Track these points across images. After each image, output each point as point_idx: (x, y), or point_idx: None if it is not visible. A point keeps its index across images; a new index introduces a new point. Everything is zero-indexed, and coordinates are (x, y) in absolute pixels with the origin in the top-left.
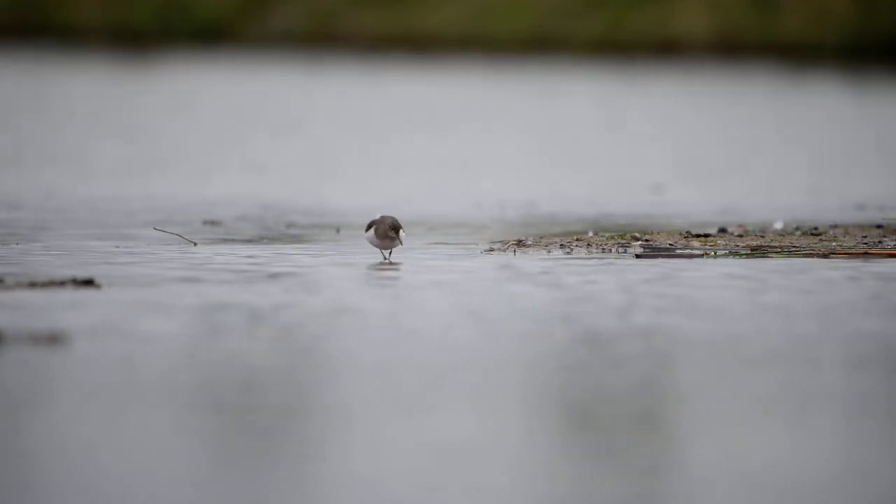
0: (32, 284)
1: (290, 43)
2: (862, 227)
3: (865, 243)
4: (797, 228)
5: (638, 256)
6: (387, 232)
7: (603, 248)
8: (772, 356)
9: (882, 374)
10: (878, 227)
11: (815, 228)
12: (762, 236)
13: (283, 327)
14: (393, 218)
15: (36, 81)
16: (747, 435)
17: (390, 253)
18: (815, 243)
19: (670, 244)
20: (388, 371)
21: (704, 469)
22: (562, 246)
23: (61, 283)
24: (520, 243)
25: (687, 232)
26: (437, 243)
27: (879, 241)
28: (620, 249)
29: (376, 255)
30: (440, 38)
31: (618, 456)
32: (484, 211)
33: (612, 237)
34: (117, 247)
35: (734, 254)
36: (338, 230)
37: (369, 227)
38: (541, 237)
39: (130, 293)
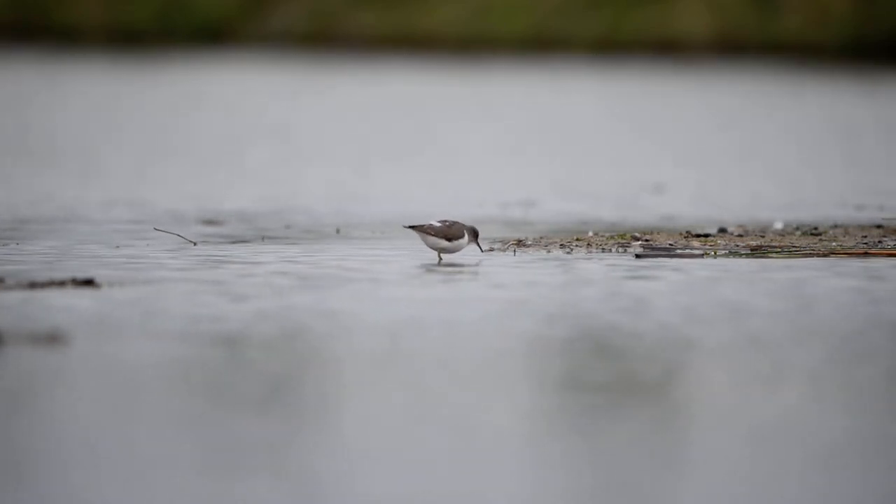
0: (32, 284)
1: (290, 43)
2: (862, 227)
3: (865, 243)
4: (797, 228)
5: (638, 256)
6: (473, 240)
7: (603, 248)
8: (769, 348)
9: (879, 359)
10: (878, 227)
11: (815, 228)
12: (762, 236)
13: (284, 327)
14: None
15: (36, 81)
16: (747, 416)
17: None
18: (815, 243)
19: (670, 244)
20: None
21: (707, 431)
22: (562, 246)
23: (61, 283)
24: (520, 243)
25: (687, 232)
26: None
27: (879, 241)
28: (620, 249)
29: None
30: (440, 38)
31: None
32: (484, 210)
33: (612, 237)
34: (117, 247)
35: (734, 254)
36: (338, 230)
37: (446, 235)
38: (541, 237)
39: (130, 293)
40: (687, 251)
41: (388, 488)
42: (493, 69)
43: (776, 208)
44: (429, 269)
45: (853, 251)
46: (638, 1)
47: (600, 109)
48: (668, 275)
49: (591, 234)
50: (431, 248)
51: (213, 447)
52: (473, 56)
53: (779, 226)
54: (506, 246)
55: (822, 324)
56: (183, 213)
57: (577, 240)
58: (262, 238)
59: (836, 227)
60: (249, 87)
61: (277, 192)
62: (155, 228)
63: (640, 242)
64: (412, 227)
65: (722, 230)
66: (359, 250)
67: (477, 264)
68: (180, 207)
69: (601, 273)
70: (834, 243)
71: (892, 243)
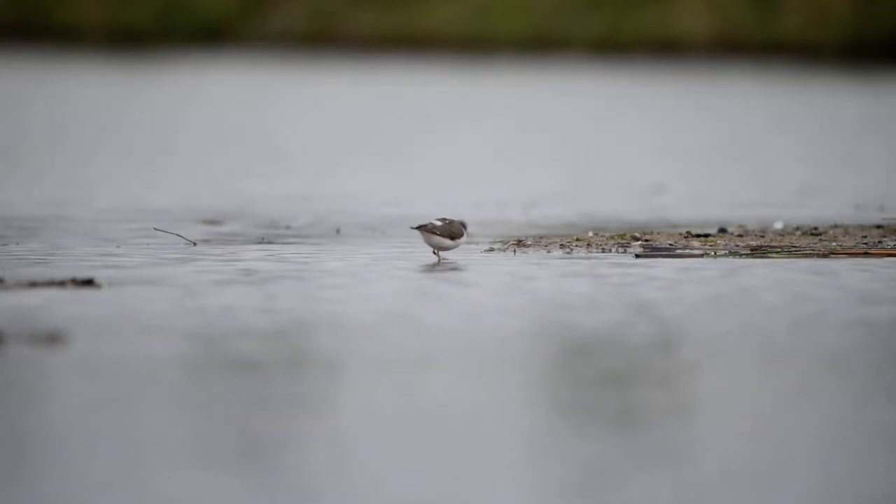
0: (32, 284)
1: (290, 43)
2: (862, 227)
3: (865, 243)
4: (797, 228)
5: (638, 256)
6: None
7: (603, 248)
8: (768, 344)
9: (873, 352)
10: (878, 227)
11: (815, 228)
12: (762, 236)
13: (284, 326)
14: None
15: (36, 81)
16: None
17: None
18: (815, 243)
19: (670, 244)
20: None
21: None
22: (562, 246)
23: (61, 283)
24: (520, 243)
25: (687, 232)
26: None
27: (879, 241)
28: (620, 249)
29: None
30: (440, 38)
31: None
32: (484, 210)
33: (612, 237)
34: (118, 247)
35: (734, 254)
36: (338, 230)
37: (451, 234)
38: (540, 237)
39: (130, 293)
40: (687, 251)
41: (385, 486)
42: (493, 69)
43: (776, 208)
44: (428, 268)
45: (853, 251)
46: (638, 1)
47: (600, 109)
48: (667, 275)
49: (591, 234)
50: (434, 247)
51: (214, 446)
52: (473, 56)
53: (779, 226)
54: (505, 246)
55: (815, 322)
56: (183, 212)
57: (577, 240)
58: (262, 238)
59: (836, 227)
60: (249, 87)
61: (277, 191)
62: (155, 228)
63: (639, 242)
64: (417, 228)
65: (722, 230)
66: (358, 250)
67: (476, 264)
68: (180, 207)
69: (600, 273)
70: (834, 243)
71: (892, 243)
